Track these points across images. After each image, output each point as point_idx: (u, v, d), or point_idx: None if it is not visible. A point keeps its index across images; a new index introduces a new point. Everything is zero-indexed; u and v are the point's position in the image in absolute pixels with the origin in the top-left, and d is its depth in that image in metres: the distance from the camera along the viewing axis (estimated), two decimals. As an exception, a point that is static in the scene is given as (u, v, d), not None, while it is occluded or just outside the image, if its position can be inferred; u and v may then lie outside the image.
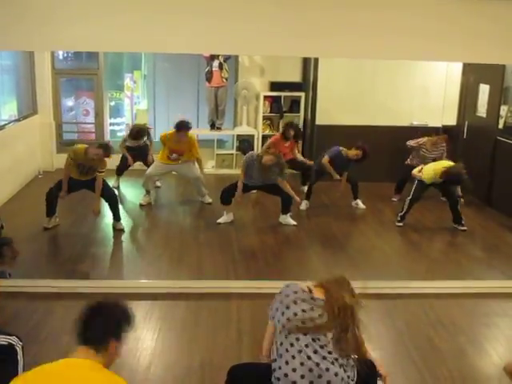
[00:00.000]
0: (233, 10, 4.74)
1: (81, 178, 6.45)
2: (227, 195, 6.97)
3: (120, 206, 6.89)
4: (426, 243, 6.70)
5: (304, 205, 7.62)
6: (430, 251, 6.60)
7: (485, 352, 4.32)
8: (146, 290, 5.05)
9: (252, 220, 7.31)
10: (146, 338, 4.29)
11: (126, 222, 6.90)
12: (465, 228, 6.98)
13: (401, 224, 7.05)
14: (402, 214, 7.06)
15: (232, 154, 9.63)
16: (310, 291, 3.02)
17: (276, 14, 4.74)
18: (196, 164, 7.74)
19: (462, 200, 7.53)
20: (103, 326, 2.45)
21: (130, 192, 8.29)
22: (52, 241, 6.47)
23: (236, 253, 6.13)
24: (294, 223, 6.97)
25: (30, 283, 4.92)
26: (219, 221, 6.97)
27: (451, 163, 6.88)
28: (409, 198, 7.03)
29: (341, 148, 7.49)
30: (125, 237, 6.60)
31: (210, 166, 9.51)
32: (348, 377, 2.87)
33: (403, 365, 4.06)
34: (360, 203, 7.81)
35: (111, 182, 7.67)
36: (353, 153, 7.42)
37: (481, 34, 4.88)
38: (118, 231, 6.59)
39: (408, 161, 7.98)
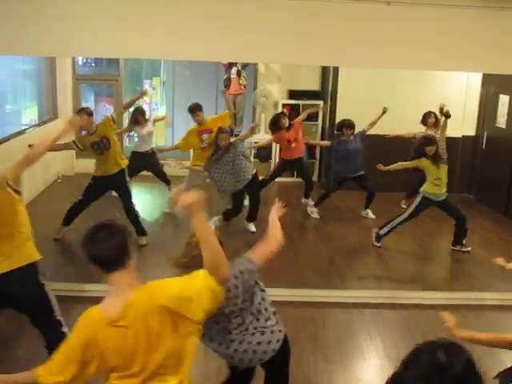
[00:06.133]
0: (251, 18, 4.78)
1: (104, 155, 6.28)
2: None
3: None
4: (443, 254, 6.64)
5: (315, 213, 7.69)
6: (447, 262, 6.54)
7: (502, 363, 4.24)
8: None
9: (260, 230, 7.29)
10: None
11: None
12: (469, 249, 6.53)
13: None
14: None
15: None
16: None
17: (295, 22, 4.76)
18: None
19: None
20: (122, 240, 2.32)
21: (144, 199, 8.33)
22: (69, 245, 6.51)
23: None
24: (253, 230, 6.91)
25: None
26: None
27: None
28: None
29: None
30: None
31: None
32: None
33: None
34: (370, 213, 7.78)
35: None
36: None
37: (500, 44, 4.86)
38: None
39: None
